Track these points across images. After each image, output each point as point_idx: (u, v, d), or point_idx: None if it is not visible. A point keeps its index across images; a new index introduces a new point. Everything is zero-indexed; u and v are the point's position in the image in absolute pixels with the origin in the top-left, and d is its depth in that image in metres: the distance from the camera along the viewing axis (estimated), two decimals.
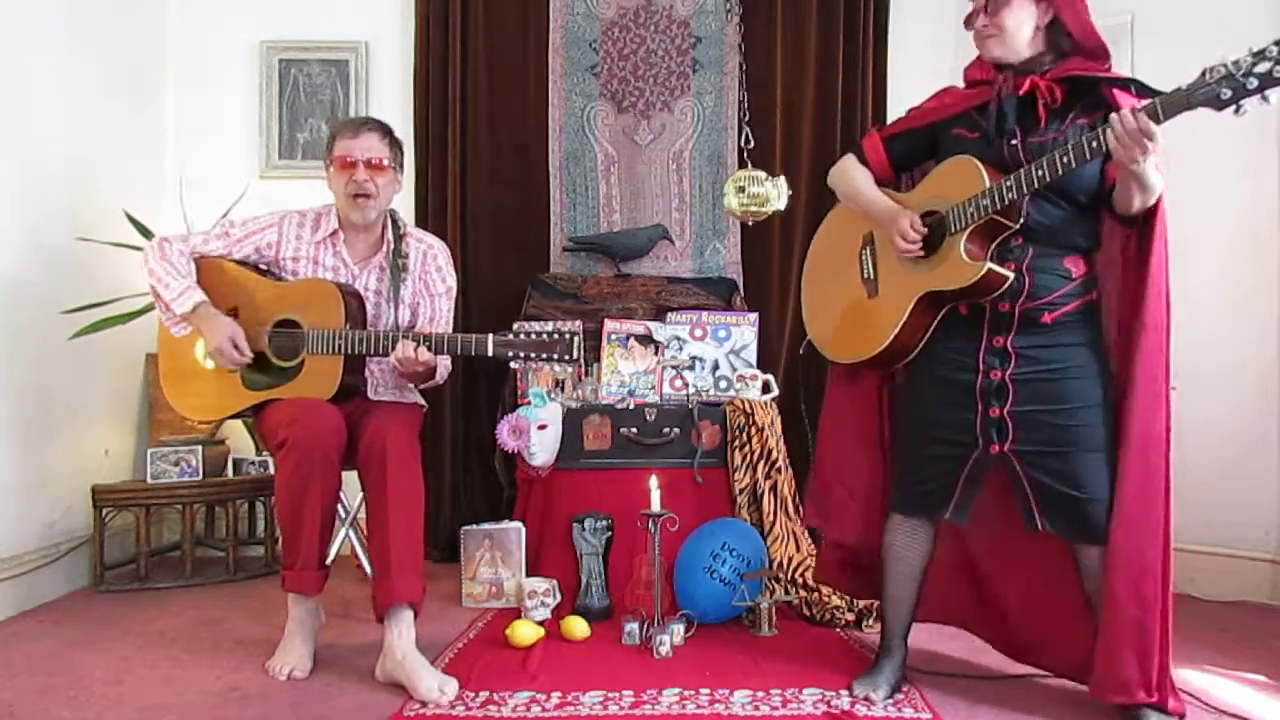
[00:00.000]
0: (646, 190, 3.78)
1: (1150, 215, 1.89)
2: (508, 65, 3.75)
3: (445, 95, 3.69)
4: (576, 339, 2.23)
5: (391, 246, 2.49)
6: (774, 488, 2.86)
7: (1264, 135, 2.99)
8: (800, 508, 2.89)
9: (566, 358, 2.22)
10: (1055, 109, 1.92)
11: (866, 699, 2.02)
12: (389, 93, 3.79)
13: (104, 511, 3.06)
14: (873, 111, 3.74)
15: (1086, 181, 1.89)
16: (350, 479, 2.37)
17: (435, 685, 2.02)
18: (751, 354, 3.19)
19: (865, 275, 2.15)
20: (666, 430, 2.95)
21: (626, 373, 3.14)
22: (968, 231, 1.91)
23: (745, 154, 3.69)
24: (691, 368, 3.13)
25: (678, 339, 3.16)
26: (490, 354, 2.25)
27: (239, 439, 3.46)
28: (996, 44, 1.96)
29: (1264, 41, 1.56)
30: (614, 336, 3.18)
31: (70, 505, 3.06)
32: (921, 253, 1.99)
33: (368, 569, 2.84)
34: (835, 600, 2.69)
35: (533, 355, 2.24)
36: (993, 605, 2.23)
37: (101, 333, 3.03)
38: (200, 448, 3.21)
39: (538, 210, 3.75)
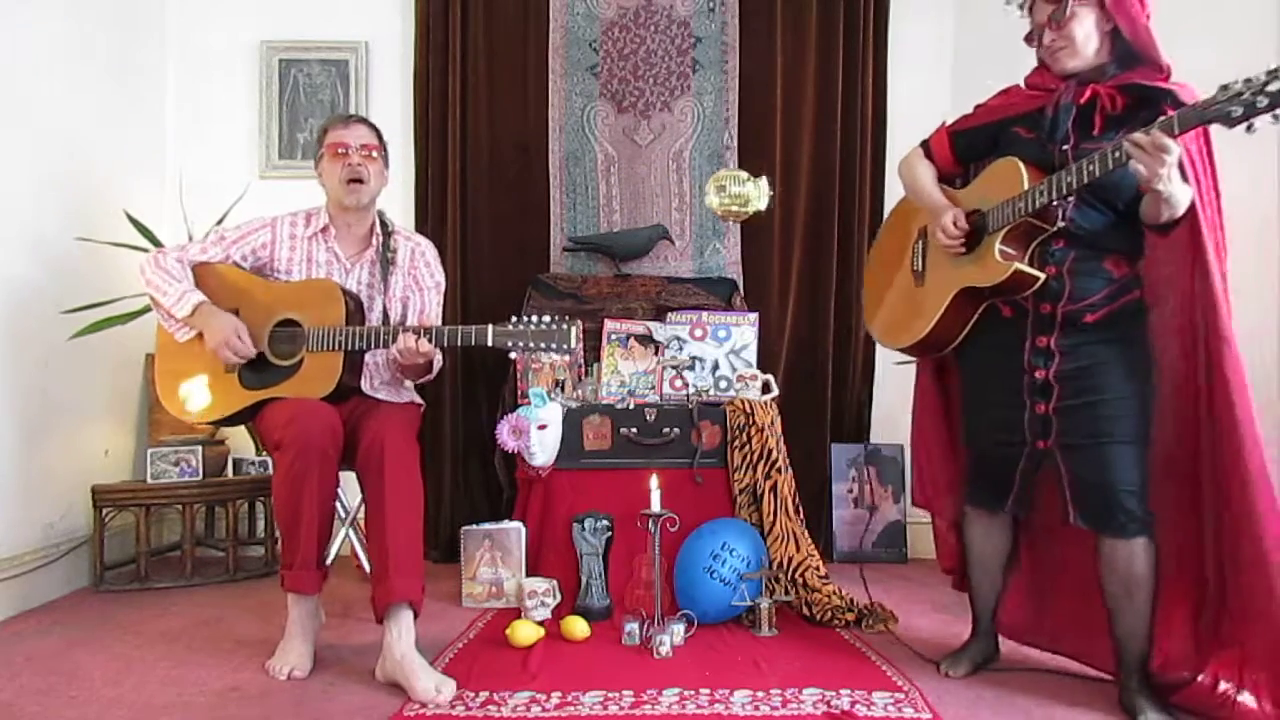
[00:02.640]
0: (646, 190, 3.78)
1: (1191, 228, 1.87)
2: (508, 65, 3.75)
3: (445, 95, 3.69)
4: (574, 329, 2.27)
5: (381, 241, 2.54)
6: (774, 488, 2.86)
7: (1264, 134, 2.98)
8: (799, 508, 2.90)
9: (565, 346, 2.26)
10: (1114, 116, 1.94)
11: (949, 674, 2.18)
12: (389, 93, 3.79)
13: (104, 511, 3.06)
14: (873, 111, 3.74)
15: (1128, 189, 1.91)
16: (350, 479, 2.37)
17: (432, 686, 2.02)
18: (751, 354, 3.19)
19: (915, 266, 2.23)
20: (666, 430, 2.95)
21: (626, 373, 3.14)
22: (1003, 232, 1.96)
23: (729, 153, 3.70)
24: (691, 368, 3.13)
25: (678, 339, 3.16)
26: (490, 344, 2.28)
27: (239, 439, 3.46)
28: (1069, 55, 1.98)
29: (1269, 50, 1.56)
30: (614, 336, 3.18)
31: (70, 505, 3.06)
32: (963, 249, 2.06)
33: (367, 569, 2.84)
34: (835, 600, 2.69)
35: (532, 345, 2.27)
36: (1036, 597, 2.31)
37: (101, 333, 3.03)
38: (200, 448, 3.21)
39: (538, 210, 3.75)
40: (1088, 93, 1.95)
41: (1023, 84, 2.13)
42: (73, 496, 3.07)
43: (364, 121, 2.54)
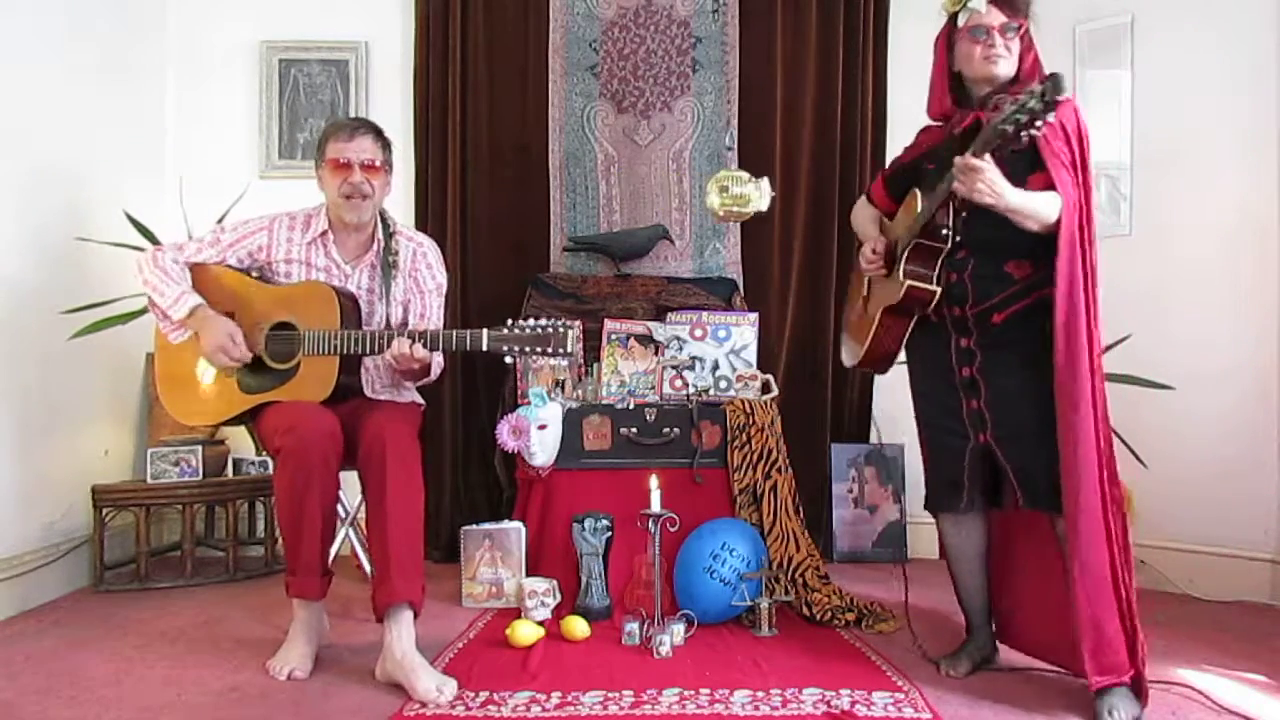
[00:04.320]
0: (646, 190, 3.78)
1: (1066, 233, 2.02)
2: (508, 65, 3.75)
3: (445, 95, 3.69)
4: (571, 332, 2.23)
5: (382, 245, 2.49)
6: (774, 488, 2.86)
7: (1264, 135, 2.99)
8: (799, 508, 2.91)
9: (561, 351, 2.22)
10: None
11: (949, 674, 2.19)
12: (389, 93, 3.79)
13: (104, 511, 3.06)
14: (873, 113, 3.74)
15: None
16: (350, 479, 2.37)
17: (433, 686, 2.02)
18: (751, 354, 3.19)
19: (864, 293, 2.39)
20: (666, 430, 2.95)
21: (626, 373, 3.14)
22: (905, 254, 2.14)
23: (730, 154, 3.70)
24: (691, 368, 3.13)
25: (678, 339, 3.16)
26: (485, 349, 2.25)
27: (239, 439, 3.46)
28: (1006, 65, 2.11)
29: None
30: (614, 336, 3.18)
31: (70, 505, 3.06)
32: (884, 272, 2.25)
33: (368, 569, 2.84)
34: (835, 600, 2.69)
35: (528, 349, 2.24)
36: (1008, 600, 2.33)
37: (101, 333, 3.03)
38: (200, 448, 3.21)
39: (538, 210, 3.75)
40: (970, 118, 2.11)
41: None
42: (73, 496, 3.07)
43: (369, 130, 2.44)
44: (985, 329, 2.11)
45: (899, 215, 2.27)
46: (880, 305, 2.23)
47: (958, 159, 1.93)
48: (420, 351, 2.27)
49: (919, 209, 2.12)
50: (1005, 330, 2.10)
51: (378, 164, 2.42)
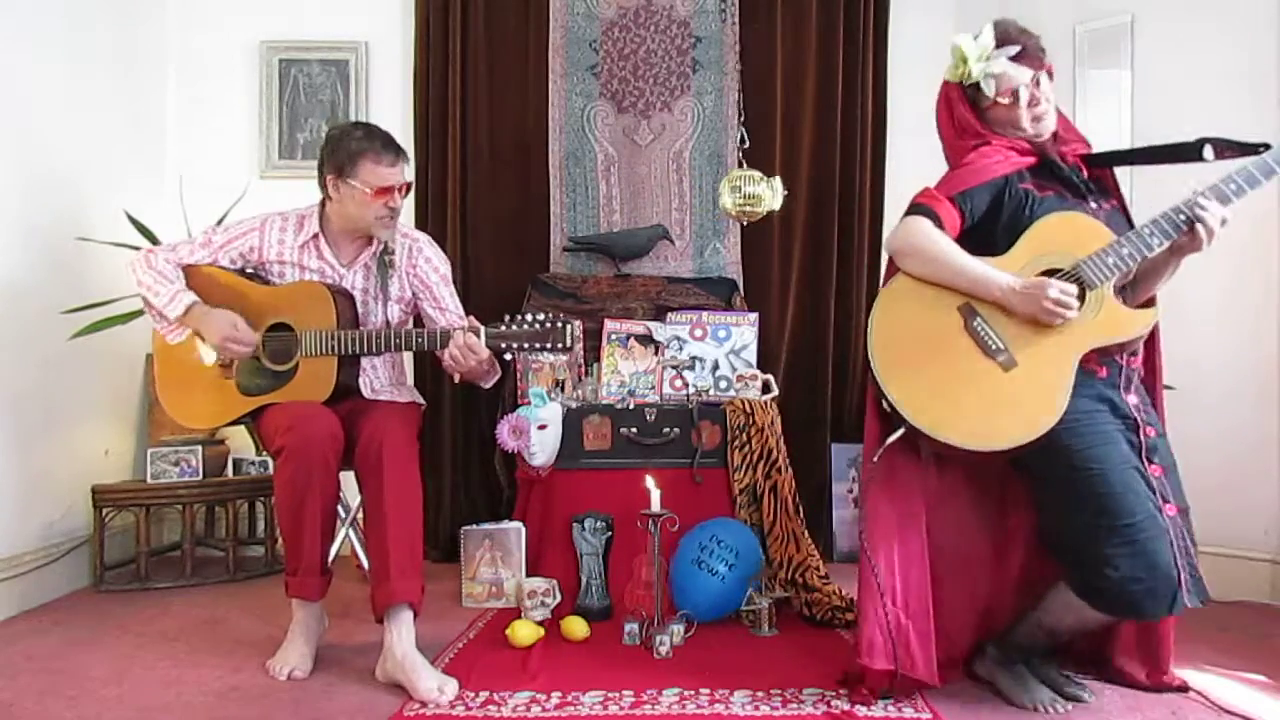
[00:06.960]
0: (646, 190, 3.78)
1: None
2: (508, 65, 3.75)
3: (445, 95, 3.69)
4: (570, 327, 2.21)
5: (379, 245, 2.48)
6: (774, 488, 2.86)
7: (1264, 135, 2.97)
8: (799, 508, 2.88)
9: (560, 345, 2.21)
10: (1083, 180, 2.05)
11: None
12: (389, 93, 3.79)
13: (104, 511, 3.06)
14: (873, 112, 3.74)
15: None
16: (350, 479, 2.37)
17: (435, 685, 2.02)
18: (751, 354, 3.19)
19: (992, 347, 1.92)
20: (666, 430, 2.95)
21: (626, 373, 3.14)
22: (1112, 281, 1.91)
23: (742, 154, 3.70)
24: (691, 368, 3.13)
25: (678, 339, 3.16)
26: (484, 347, 2.24)
27: (239, 439, 3.46)
28: (1050, 119, 2.04)
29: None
30: (614, 336, 3.18)
31: (70, 505, 3.06)
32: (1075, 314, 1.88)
33: (368, 569, 2.84)
34: (835, 600, 2.69)
35: (527, 345, 2.22)
36: None
37: (101, 333, 3.03)
38: (200, 448, 3.21)
39: (538, 210, 3.75)
40: (1069, 156, 2.05)
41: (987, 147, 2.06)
42: (73, 496, 3.07)
43: (402, 153, 2.41)
44: (1132, 377, 1.97)
45: (1038, 242, 1.94)
46: (1080, 348, 1.87)
47: (1220, 211, 1.91)
48: (482, 348, 2.22)
49: (1108, 232, 1.92)
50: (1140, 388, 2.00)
51: (408, 184, 2.43)
